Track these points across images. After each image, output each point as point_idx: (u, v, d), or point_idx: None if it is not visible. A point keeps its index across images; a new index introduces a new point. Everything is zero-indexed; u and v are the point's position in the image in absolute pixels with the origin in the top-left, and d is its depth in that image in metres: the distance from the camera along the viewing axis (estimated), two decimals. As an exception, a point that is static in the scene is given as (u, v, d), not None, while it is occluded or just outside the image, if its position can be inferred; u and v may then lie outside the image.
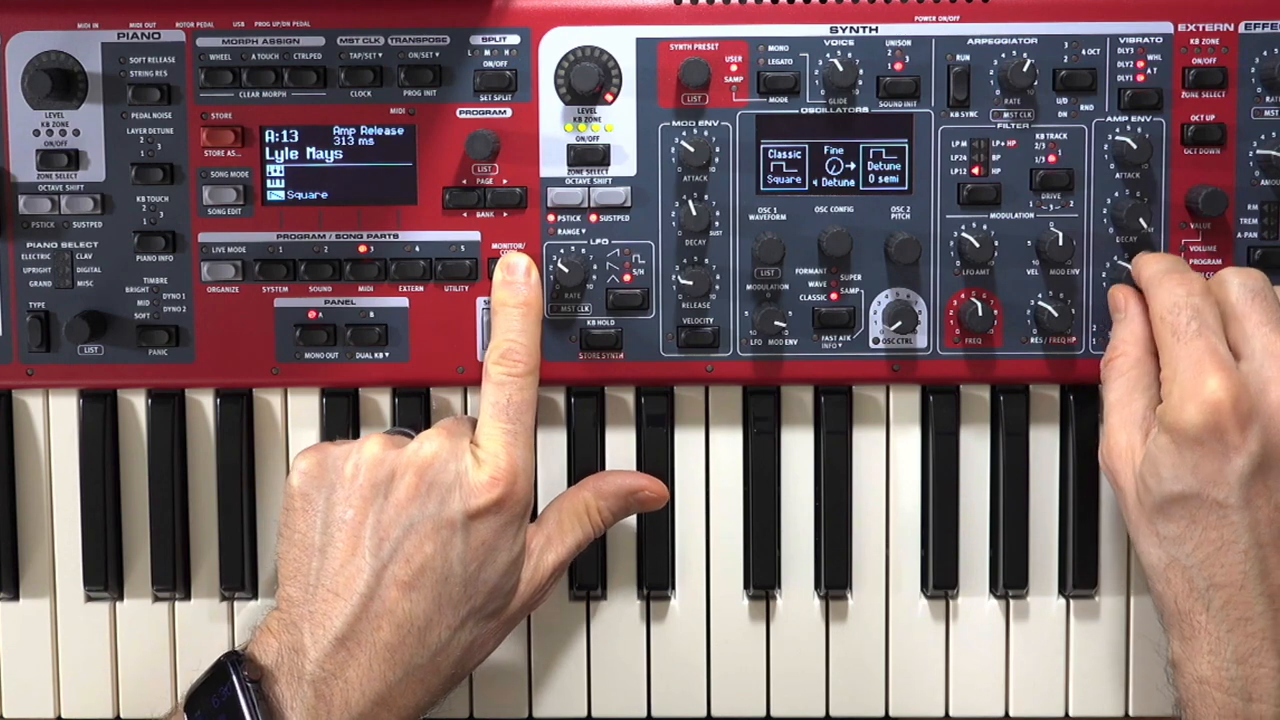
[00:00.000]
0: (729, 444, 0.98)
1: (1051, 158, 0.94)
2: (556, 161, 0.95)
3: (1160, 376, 0.84)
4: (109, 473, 0.98)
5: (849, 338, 0.95)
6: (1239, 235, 0.94)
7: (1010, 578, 0.97)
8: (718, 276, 0.95)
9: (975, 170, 0.94)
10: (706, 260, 0.95)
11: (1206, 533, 0.80)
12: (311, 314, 0.96)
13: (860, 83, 0.94)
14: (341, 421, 0.97)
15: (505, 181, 0.95)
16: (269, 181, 0.95)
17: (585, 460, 0.97)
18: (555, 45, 0.94)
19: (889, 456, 0.98)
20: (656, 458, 0.97)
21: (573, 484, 0.96)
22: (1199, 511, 0.80)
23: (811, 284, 0.95)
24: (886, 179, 0.94)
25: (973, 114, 0.94)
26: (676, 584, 0.98)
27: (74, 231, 0.95)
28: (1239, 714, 0.80)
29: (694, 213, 0.93)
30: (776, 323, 0.94)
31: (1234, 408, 0.79)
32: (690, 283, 0.93)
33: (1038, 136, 0.94)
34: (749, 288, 0.95)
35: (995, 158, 0.94)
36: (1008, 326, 0.95)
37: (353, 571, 0.84)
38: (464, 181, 0.95)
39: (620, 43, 0.94)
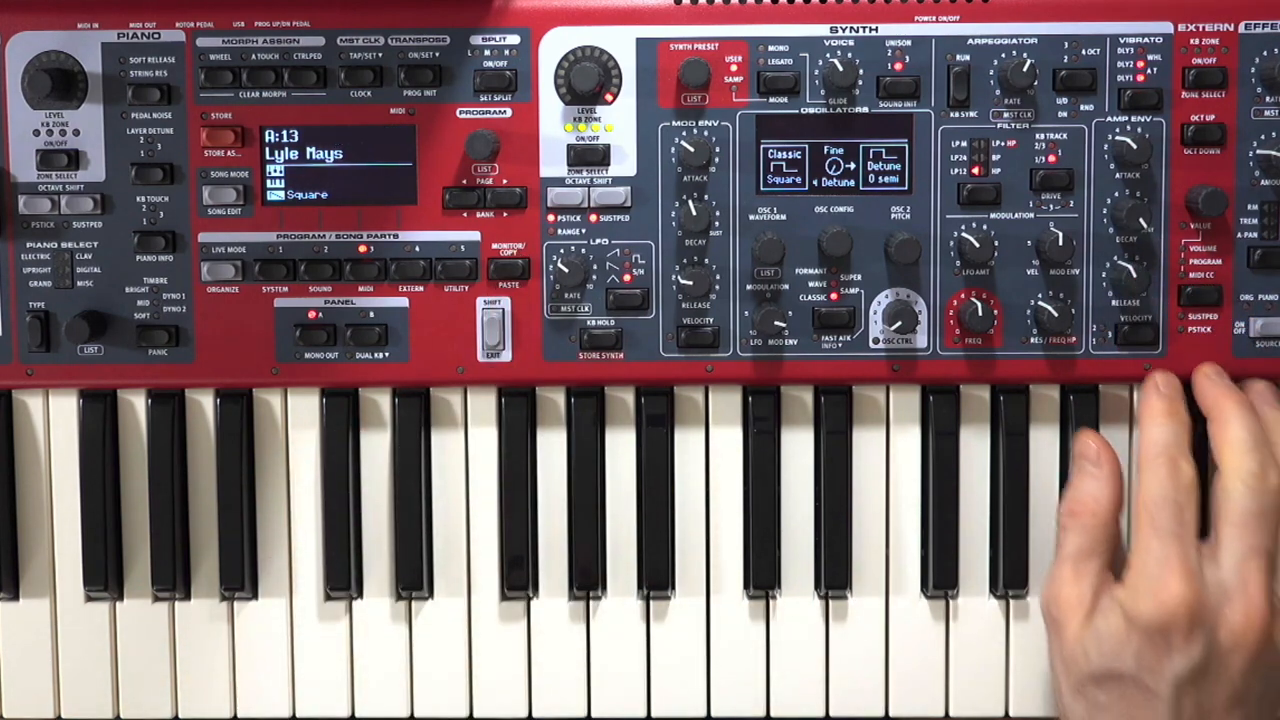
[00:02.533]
0: (729, 444, 0.98)
1: (1051, 158, 0.94)
2: (556, 161, 0.95)
3: (1128, 554, 0.88)
4: (109, 473, 0.98)
5: (849, 338, 0.95)
6: (1239, 235, 0.94)
7: (1010, 578, 0.97)
8: (718, 276, 0.95)
9: (975, 170, 0.94)
10: (706, 260, 0.95)
11: (1132, 710, 0.84)
12: (311, 314, 0.96)
13: (860, 83, 0.93)
14: (341, 422, 0.97)
15: (505, 181, 0.95)
16: (269, 181, 0.95)
17: (585, 460, 0.97)
18: (555, 45, 0.94)
19: (889, 456, 0.98)
20: (656, 458, 0.97)
21: (573, 484, 0.96)
22: (1130, 691, 0.84)
23: (811, 284, 0.95)
24: (886, 179, 0.94)
25: (973, 114, 0.94)
26: (676, 584, 0.98)
27: (74, 231, 0.95)
28: None
29: (694, 213, 0.93)
30: (776, 323, 0.94)
31: (1188, 615, 0.83)
32: (690, 283, 0.93)
33: (1038, 136, 0.94)
34: (749, 288, 0.95)
35: (995, 158, 0.94)
36: (1008, 326, 0.95)
37: None
38: (464, 181, 0.95)
39: (620, 43, 0.94)
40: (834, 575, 0.97)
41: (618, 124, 0.94)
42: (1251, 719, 0.85)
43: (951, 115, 0.94)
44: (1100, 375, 0.96)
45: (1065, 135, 0.94)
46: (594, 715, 0.99)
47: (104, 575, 0.97)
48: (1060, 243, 0.92)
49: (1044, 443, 0.97)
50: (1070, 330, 0.94)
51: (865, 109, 0.94)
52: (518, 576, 0.98)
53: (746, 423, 0.98)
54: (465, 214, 0.95)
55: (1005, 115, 0.94)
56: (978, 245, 0.92)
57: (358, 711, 1.00)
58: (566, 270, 0.94)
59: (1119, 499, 0.90)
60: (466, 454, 0.98)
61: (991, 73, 0.94)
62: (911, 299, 0.95)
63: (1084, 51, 0.93)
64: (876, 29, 0.94)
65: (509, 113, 0.94)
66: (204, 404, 0.98)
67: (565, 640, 0.99)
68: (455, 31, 0.94)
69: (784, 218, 0.95)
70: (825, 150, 0.94)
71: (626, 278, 0.95)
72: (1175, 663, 0.83)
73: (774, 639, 0.99)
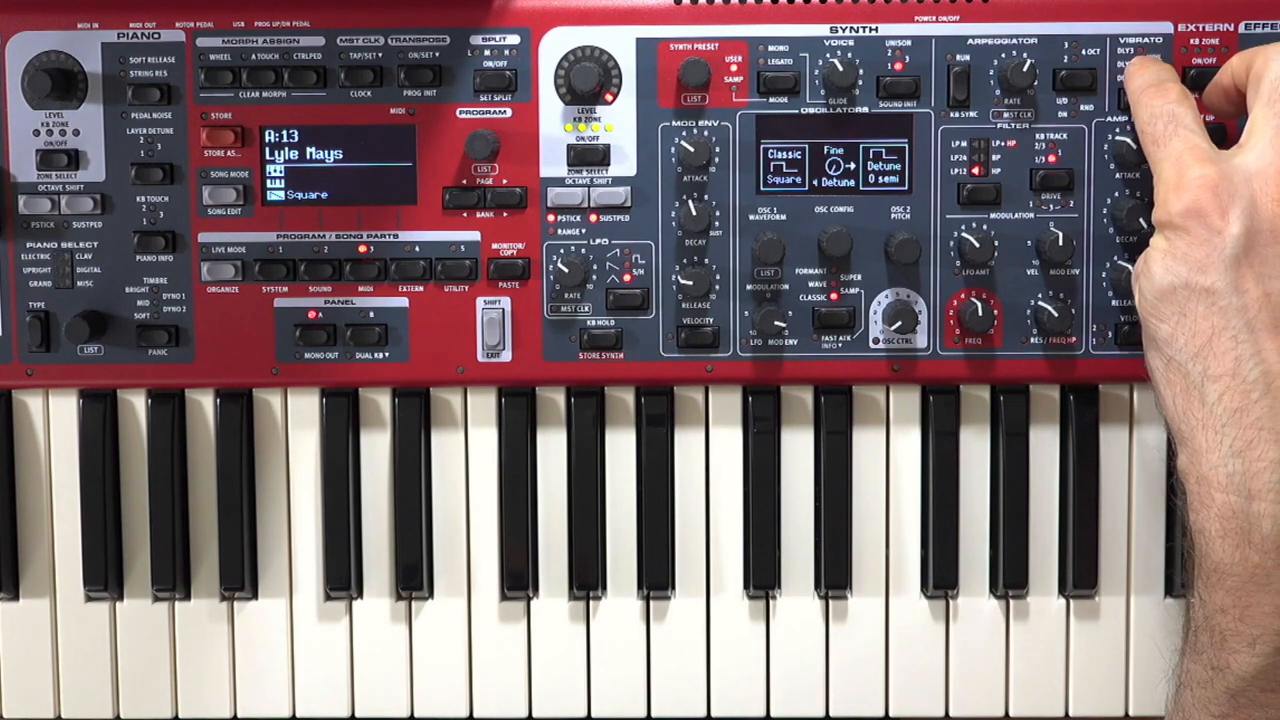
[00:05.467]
0: (729, 444, 0.98)
1: (1051, 158, 0.94)
2: (556, 161, 0.95)
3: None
4: (109, 473, 0.98)
5: (849, 338, 0.95)
6: (1239, 235, 0.94)
7: (1010, 578, 0.97)
8: (718, 276, 0.95)
9: (975, 170, 0.94)
10: (706, 260, 0.95)
11: (1197, 324, 0.80)
12: (311, 314, 0.96)
13: (860, 83, 0.93)
14: (341, 422, 0.97)
15: (505, 181, 0.95)
16: (269, 181, 0.95)
17: (585, 460, 0.97)
18: (555, 45, 0.94)
19: (889, 456, 0.98)
20: (656, 458, 0.97)
21: (573, 484, 0.96)
22: (1188, 303, 0.80)
23: (811, 284, 0.95)
24: (886, 179, 0.94)
25: (973, 114, 0.94)
26: (676, 584, 0.98)
27: (74, 231, 0.95)
28: (1238, 513, 0.79)
29: (694, 213, 0.93)
30: (776, 323, 0.94)
31: (1214, 192, 0.80)
32: (690, 283, 0.93)
33: (1038, 136, 0.94)
34: (749, 288, 0.95)
35: (995, 158, 0.94)
36: (1008, 326, 0.95)
37: None
38: (464, 181, 0.95)
39: (620, 43, 0.94)
40: (834, 575, 0.97)
41: (618, 124, 0.94)
42: None
43: (951, 115, 0.94)
44: (1100, 375, 0.96)
45: (1065, 135, 0.94)
46: (594, 715, 0.99)
47: (104, 575, 0.97)
48: (1060, 243, 0.92)
49: (1044, 443, 0.97)
50: (1070, 330, 0.94)
51: (865, 109, 0.94)
52: (518, 576, 0.98)
53: (746, 423, 0.98)
54: (465, 214, 0.95)
55: (1005, 115, 0.94)
56: (978, 245, 0.92)
57: (358, 711, 1.00)
58: (566, 270, 0.94)
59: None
60: (466, 454, 0.98)
61: (991, 73, 0.94)
62: (911, 299, 0.95)
63: (1084, 51, 0.93)
64: (876, 29, 0.94)
65: (509, 113, 0.94)
66: (204, 404, 0.98)
67: (565, 640, 0.99)
68: (455, 31, 0.94)
69: (784, 218, 0.95)
70: (825, 150, 0.94)
71: (626, 278, 0.95)
72: (1220, 247, 0.79)
73: (774, 639, 0.99)
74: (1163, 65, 0.90)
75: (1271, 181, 0.80)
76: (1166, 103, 0.86)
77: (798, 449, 0.98)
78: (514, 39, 0.94)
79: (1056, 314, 0.93)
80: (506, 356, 0.96)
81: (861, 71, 0.93)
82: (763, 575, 0.98)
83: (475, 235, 0.95)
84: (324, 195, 0.95)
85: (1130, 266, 0.93)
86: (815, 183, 0.94)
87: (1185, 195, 0.81)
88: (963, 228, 0.94)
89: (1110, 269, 0.94)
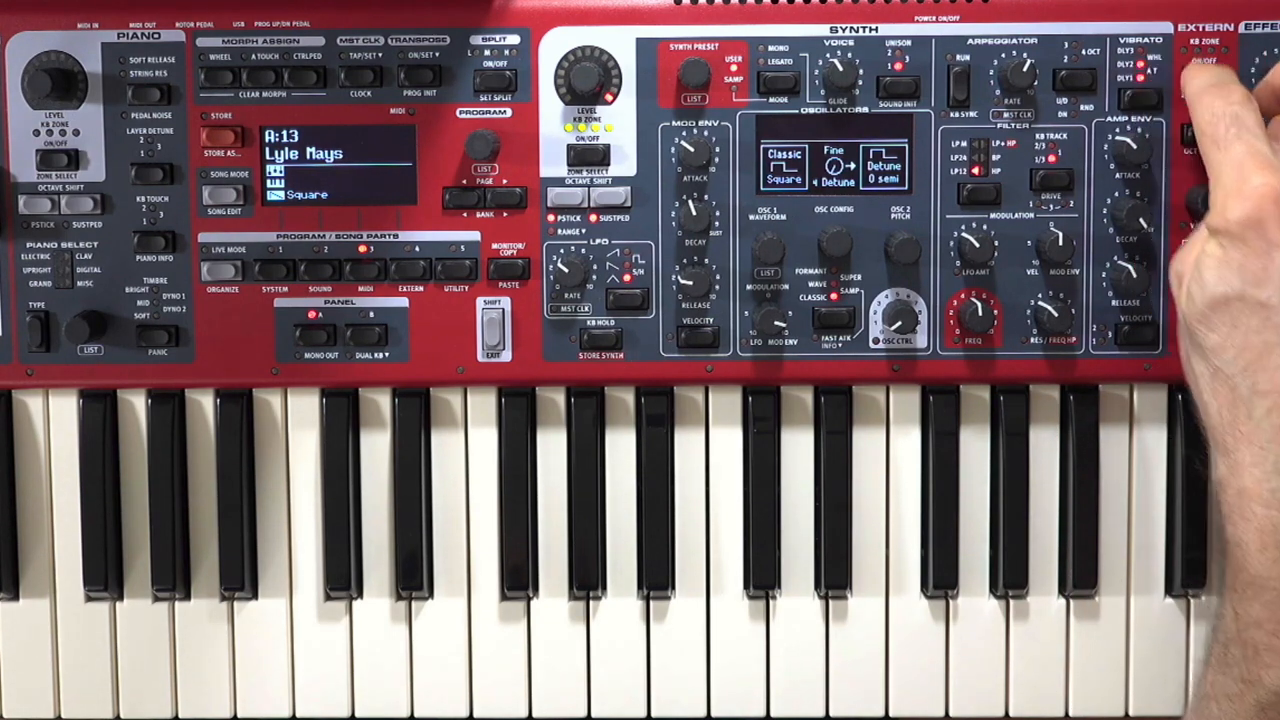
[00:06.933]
0: (729, 444, 0.98)
1: (1051, 158, 0.94)
2: (556, 161, 0.95)
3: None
4: (109, 473, 0.98)
5: (849, 338, 0.95)
6: (1239, 235, 0.94)
7: (1010, 578, 0.97)
8: (718, 276, 0.95)
9: (975, 170, 0.94)
10: (706, 260, 0.95)
11: (1249, 337, 0.78)
12: (311, 314, 0.96)
13: (860, 83, 0.93)
14: (341, 422, 0.97)
15: (505, 181, 0.95)
16: (269, 181, 0.95)
17: (585, 460, 0.97)
18: (555, 45, 0.94)
19: (889, 456, 0.98)
20: (656, 458, 0.97)
21: (573, 484, 0.96)
22: (1241, 315, 0.78)
23: (811, 284, 0.95)
24: (886, 179, 0.94)
25: (973, 114, 0.94)
26: (676, 584, 0.98)
27: (74, 231, 0.95)
28: (1279, 528, 0.77)
29: (694, 213, 0.93)
30: (776, 323, 0.94)
31: (1276, 202, 0.77)
32: (690, 283, 0.93)
33: (1038, 136, 0.94)
34: (749, 288, 0.95)
35: (995, 158, 0.94)
36: (1008, 326, 0.95)
37: None
38: (464, 181, 0.95)
39: (620, 43, 0.94)
40: (834, 575, 0.97)
41: (618, 124, 0.94)
42: None
43: (951, 115, 0.94)
44: (1100, 375, 0.96)
45: (1065, 135, 0.94)
46: (594, 715, 0.99)
47: (104, 575, 0.97)
48: (1060, 243, 0.92)
49: (1044, 443, 0.97)
50: (1070, 330, 0.94)
51: (865, 109, 0.94)
52: (518, 576, 0.98)
53: (746, 423, 0.98)
54: (465, 214, 0.95)
55: (1005, 115, 0.94)
56: (978, 245, 0.93)
57: (358, 711, 1.00)
58: (566, 270, 0.94)
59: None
60: (466, 454, 0.99)
61: (991, 73, 0.94)
62: (911, 299, 0.95)
63: (1084, 51, 0.93)
64: (876, 29, 0.94)
65: (509, 113, 0.95)
66: (204, 404, 0.98)
67: (565, 640, 0.99)
68: (455, 31, 0.94)
69: (784, 218, 0.95)
70: (825, 150, 0.94)
71: (626, 278, 0.95)
72: (1277, 259, 0.77)
73: (774, 639, 0.99)
74: (1223, 67, 0.88)
75: None
76: (1230, 104, 0.83)
77: (798, 449, 0.98)
78: (514, 39, 0.94)
79: (1056, 314, 0.93)
80: (506, 356, 0.96)
81: (861, 71, 0.93)
82: (763, 575, 0.98)
83: (475, 235, 0.95)
84: (324, 195, 0.95)
85: (1129, 266, 0.93)
86: (815, 183, 0.94)
87: (1246, 203, 0.78)
88: (963, 228, 0.94)
89: (1110, 269, 0.94)
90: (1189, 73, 0.89)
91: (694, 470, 0.98)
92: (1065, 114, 0.94)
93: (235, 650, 1.00)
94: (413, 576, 0.98)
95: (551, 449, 0.98)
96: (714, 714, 0.99)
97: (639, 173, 0.94)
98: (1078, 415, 0.96)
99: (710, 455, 0.98)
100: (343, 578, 0.98)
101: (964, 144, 0.94)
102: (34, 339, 0.95)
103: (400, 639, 0.99)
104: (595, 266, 0.95)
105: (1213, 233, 0.80)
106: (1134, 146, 0.92)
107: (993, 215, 0.94)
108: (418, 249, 0.95)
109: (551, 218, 0.95)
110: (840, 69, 0.92)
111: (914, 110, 0.94)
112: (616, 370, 0.96)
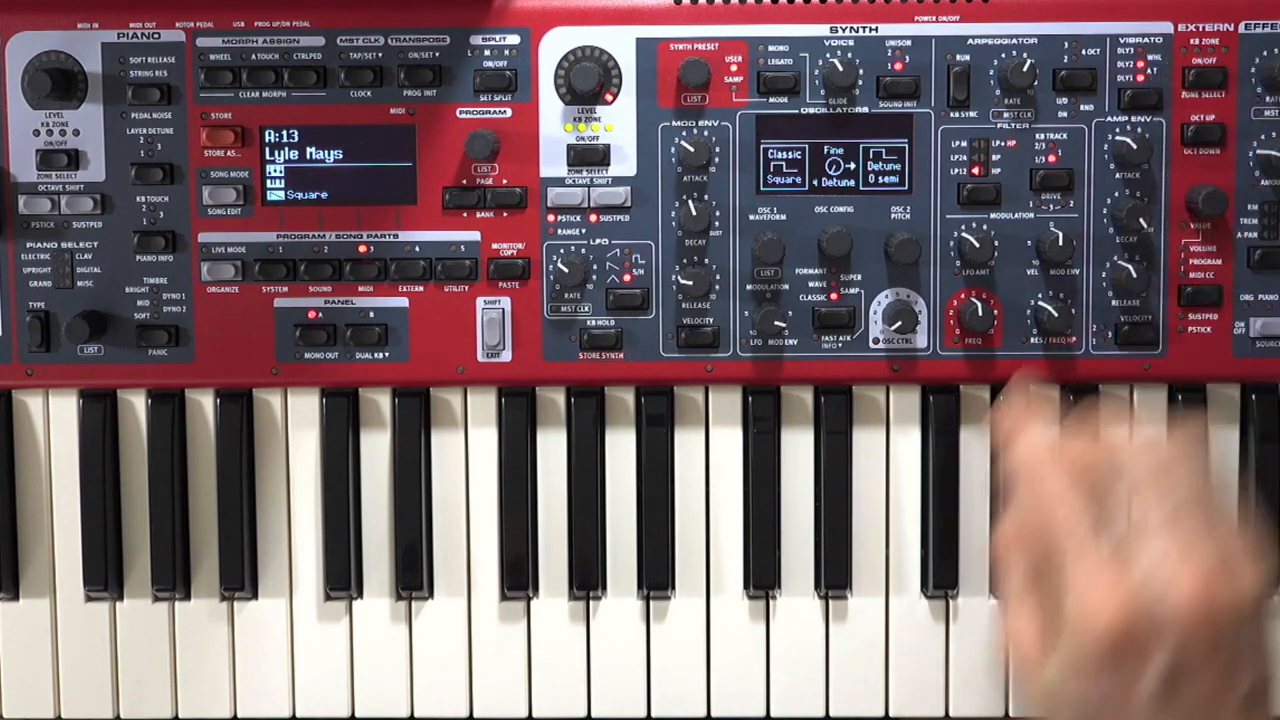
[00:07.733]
0: (729, 444, 0.98)
1: (1051, 158, 0.94)
2: (556, 161, 0.95)
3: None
4: (109, 473, 0.98)
5: (849, 338, 0.95)
6: (1239, 235, 0.94)
7: (1010, 578, 0.97)
8: (718, 276, 0.95)
9: (975, 170, 0.94)
10: (706, 260, 0.95)
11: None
12: (311, 314, 0.96)
13: (860, 83, 0.94)
14: (341, 422, 0.97)
15: (505, 181, 0.95)
16: (269, 181, 0.95)
17: (585, 460, 0.97)
18: (555, 45, 0.94)
19: (889, 456, 0.98)
20: (656, 458, 0.97)
21: (573, 484, 0.96)
22: None
23: (811, 284, 0.95)
24: (886, 179, 0.94)
25: (973, 114, 0.94)
26: (676, 584, 0.98)
27: (74, 231, 0.95)
28: None
29: (694, 213, 0.93)
30: (776, 323, 0.94)
31: (1129, 632, 0.65)
32: (690, 283, 0.93)
33: (1038, 136, 0.94)
34: (749, 288, 0.95)
35: (995, 158, 0.94)
36: (1008, 326, 0.95)
37: None
38: (464, 181, 0.95)
39: (620, 43, 0.94)
40: (834, 575, 0.97)
41: (618, 124, 0.94)
42: (1266, 678, 0.66)
43: (951, 115, 0.94)
44: (1100, 375, 0.96)
45: (1065, 135, 0.94)
46: (594, 715, 0.99)
47: (104, 575, 0.97)
48: (1060, 243, 0.92)
49: (1044, 443, 0.97)
50: (1070, 330, 0.94)
51: (865, 109, 0.94)
52: (518, 576, 0.98)
53: (746, 423, 0.98)
54: (465, 214, 0.95)
55: (1005, 115, 0.94)
56: (978, 245, 0.93)
57: (358, 711, 1.00)
58: (566, 270, 0.94)
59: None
60: (466, 454, 0.99)
61: (991, 73, 0.94)
62: (911, 299, 0.95)
63: (1084, 51, 0.93)
64: (876, 29, 0.94)
65: (509, 113, 0.95)
66: (204, 404, 0.98)
67: (565, 640, 0.99)
68: (455, 31, 0.94)
69: (784, 218, 0.95)
70: (825, 150, 0.94)
71: (626, 278, 0.95)
72: (1144, 684, 0.66)
73: (774, 639, 0.99)
74: (1032, 425, 0.74)
75: (1181, 594, 0.64)
76: (1052, 502, 0.69)
77: (798, 449, 0.98)
78: (514, 39, 0.94)
79: (1056, 314, 0.93)
80: (506, 356, 0.96)
81: (861, 71, 0.93)
82: (763, 575, 0.98)
83: (475, 235, 0.95)
84: (324, 195, 0.95)
85: (1129, 266, 0.93)
86: (815, 183, 0.94)
87: (1101, 641, 0.65)
88: (963, 228, 0.94)
89: (1110, 269, 0.94)
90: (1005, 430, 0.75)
91: (694, 470, 0.98)
92: (1065, 114, 0.94)
93: (235, 650, 1.00)
94: (413, 576, 0.98)
95: (551, 449, 0.98)
96: (714, 714, 0.99)
97: (639, 173, 0.94)
98: (1078, 415, 0.96)
99: (710, 455, 0.98)
100: (343, 578, 0.98)
101: (964, 144, 0.94)
102: (34, 339, 0.95)
103: (400, 639, 0.99)
104: (595, 266, 0.95)
105: (1069, 654, 0.67)
106: (1134, 146, 0.92)
107: (993, 215, 0.94)
108: (418, 249, 0.95)
109: (551, 218, 0.95)
110: (840, 69, 0.92)
111: (914, 110, 0.94)
112: (616, 370, 0.96)
